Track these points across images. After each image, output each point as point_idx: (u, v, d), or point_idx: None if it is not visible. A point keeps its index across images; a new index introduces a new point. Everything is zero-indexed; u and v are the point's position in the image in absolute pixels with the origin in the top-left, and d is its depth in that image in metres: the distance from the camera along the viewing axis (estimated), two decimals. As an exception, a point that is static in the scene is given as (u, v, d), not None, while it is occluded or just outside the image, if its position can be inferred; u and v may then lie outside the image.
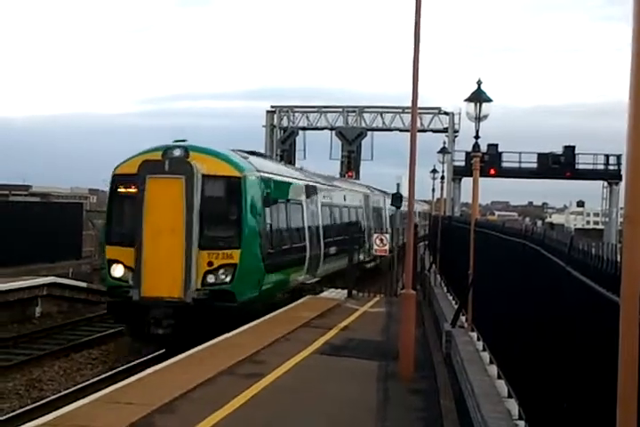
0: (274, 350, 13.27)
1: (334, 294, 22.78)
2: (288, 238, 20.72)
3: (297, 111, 51.73)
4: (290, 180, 22.31)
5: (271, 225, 18.66)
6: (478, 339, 11.52)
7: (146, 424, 8.53)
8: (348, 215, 30.38)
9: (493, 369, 9.44)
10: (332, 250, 25.44)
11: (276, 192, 19.10)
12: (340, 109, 50.76)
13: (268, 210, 18.27)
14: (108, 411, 8.89)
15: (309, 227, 23.19)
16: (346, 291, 22.65)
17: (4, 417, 12.03)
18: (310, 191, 24.11)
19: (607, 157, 53.60)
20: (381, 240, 24.24)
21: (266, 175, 18.86)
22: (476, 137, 14.21)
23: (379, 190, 41.96)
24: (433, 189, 41.53)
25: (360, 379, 11.48)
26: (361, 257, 29.79)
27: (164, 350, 16.11)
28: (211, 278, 16.43)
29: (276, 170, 21.40)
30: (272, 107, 52.21)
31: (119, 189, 17.58)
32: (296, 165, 37.61)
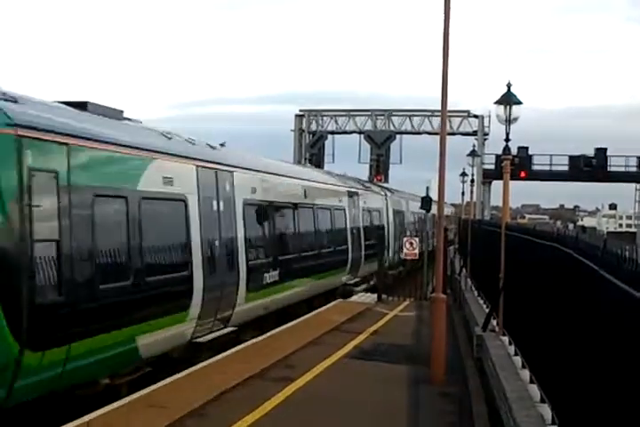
0: (304, 353, 13.27)
1: (364, 298, 22.73)
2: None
3: (325, 115, 51.74)
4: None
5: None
6: (510, 343, 11.42)
7: (177, 428, 8.56)
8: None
9: (525, 374, 9.34)
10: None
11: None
12: (369, 113, 50.69)
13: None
14: (141, 414, 8.92)
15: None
16: (375, 295, 22.60)
17: None
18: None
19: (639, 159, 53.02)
20: (411, 244, 24.12)
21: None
22: (507, 140, 14.11)
23: (406, 194, 41.80)
24: (462, 193, 41.26)
25: (390, 383, 11.43)
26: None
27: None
28: None
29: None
30: (301, 111, 52.27)
31: None
32: (324, 169, 37.72)
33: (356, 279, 24.97)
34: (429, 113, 47.67)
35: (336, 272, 22.41)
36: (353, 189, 26.24)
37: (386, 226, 30.33)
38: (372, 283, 25.54)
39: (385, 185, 42.43)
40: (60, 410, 9.27)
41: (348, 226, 24.21)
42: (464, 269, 25.41)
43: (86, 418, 8.66)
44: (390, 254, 29.97)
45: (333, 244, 22.04)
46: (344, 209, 24.06)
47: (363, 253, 25.60)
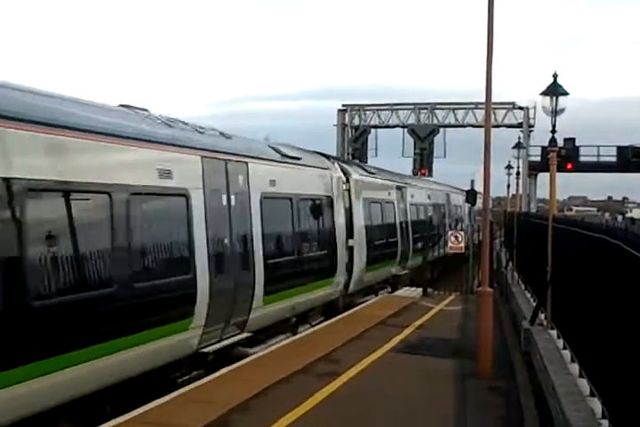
0: (349, 348, 13.23)
1: (409, 292, 22.63)
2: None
3: (368, 109, 51.56)
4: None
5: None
6: (558, 337, 11.25)
7: (222, 423, 8.59)
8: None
9: (575, 368, 9.19)
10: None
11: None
12: (412, 106, 50.37)
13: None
14: (186, 409, 8.98)
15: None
16: (420, 289, 22.48)
17: None
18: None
19: (690, 148, 51.87)
20: (456, 237, 23.93)
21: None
22: (553, 131, 13.88)
23: (451, 187, 41.52)
24: (508, 186, 40.81)
25: (437, 377, 11.34)
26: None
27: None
28: None
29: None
30: (343, 106, 52.16)
31: None
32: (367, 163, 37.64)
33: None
34: (473, 105, 47.21)
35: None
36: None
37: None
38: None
39: (430, 179, 42.23)
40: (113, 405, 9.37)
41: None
42: (510, 263, 25.15)
43: (133, 414, 8.76)
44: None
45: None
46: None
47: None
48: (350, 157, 46.52)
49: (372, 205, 21.75)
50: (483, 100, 12.50)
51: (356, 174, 20.69)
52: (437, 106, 49.94)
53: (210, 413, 8.79)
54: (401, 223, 25.42)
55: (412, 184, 29.60)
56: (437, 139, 49.07)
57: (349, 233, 19.04)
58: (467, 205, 37.85)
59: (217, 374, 10.89)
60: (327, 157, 19.76)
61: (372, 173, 23.46)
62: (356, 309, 18.39)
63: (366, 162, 43.51)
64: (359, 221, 20.08)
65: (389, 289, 23.35)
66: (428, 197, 32.17)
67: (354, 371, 11.40)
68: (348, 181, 19.59)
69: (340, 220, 18.45)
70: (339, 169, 19.34)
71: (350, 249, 19.10)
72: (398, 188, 26.07)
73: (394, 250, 24.11)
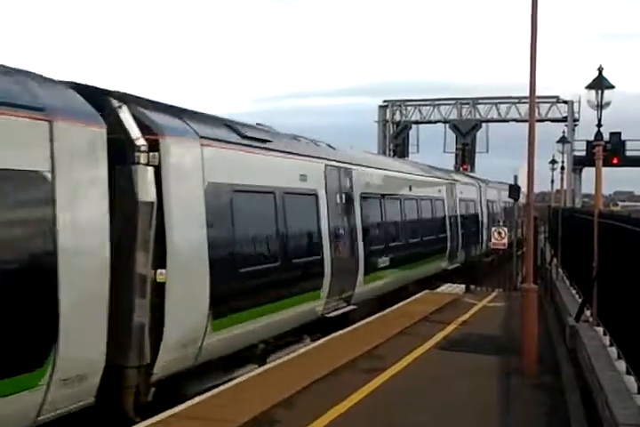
0: (392, 344, 13.22)
1: (451, 288, 22.54)
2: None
3: (409, 105, 51.35)
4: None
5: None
6: (604, 333, 11.11)
7: (266, 418, 8.64)
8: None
9: (622, 365, 9.08)
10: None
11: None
12: (454, 102, 50.06)
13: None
14: (229, 405, 9.06)
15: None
16: (463, 285, 22.37)
17: None
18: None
19: None
20: (499, 233, 23.74)
21: None
22: (599, 125, 13.69)
23: (495, 183, 41.19)
24: (552, 181, 40.38)
25: (481, 374, 11.28)
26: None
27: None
28: None
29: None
30: (384, 101, 52.03)
31: None
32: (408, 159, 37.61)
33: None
34: (516, 100, 46.79)
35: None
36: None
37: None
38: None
39: (476, 175, 41.99)
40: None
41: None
42: (555, 259, 24.86)
43: (176, 409, 8.87)
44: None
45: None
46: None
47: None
48: (391, 153, 46.40)
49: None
50: (525, 94, 12.37)
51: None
52: (479, 101, 49.57)
53: (254, 408, 8.86)
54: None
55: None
56: (480, 134, 48.75)
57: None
58: (510, 201, 37.58)
59: (261, 369, 10.97)
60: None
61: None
62: (398, 305, 18.37)
63: (407, 158, 43.37)
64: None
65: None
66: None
67: (397, 367, 11.40)
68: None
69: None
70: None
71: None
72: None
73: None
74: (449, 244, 25.73)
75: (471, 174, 41.47)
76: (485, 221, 32.94)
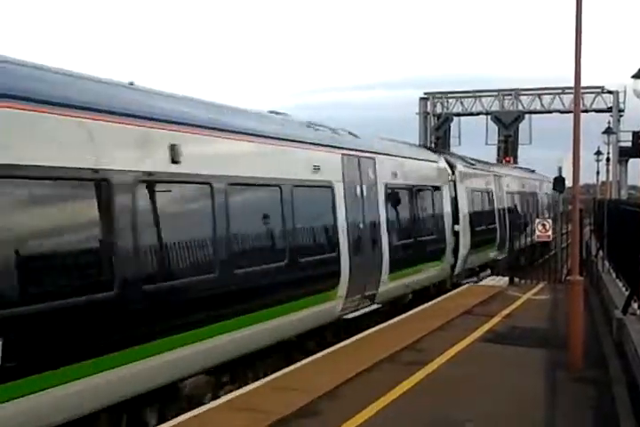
0: (435, 337, 13.15)
1: (495, 281, 22.37)
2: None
3: (450, 97, 51.01)
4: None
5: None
6: (653, 327, 10.92)
7: (310, 410, 8.66)
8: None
9: (671, 358, 8.91)
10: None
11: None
12: (496, 93, 49.59)
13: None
14: (273, 396, 9.09)
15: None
16: (507, 278, 22.17)
17: None
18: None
19: None
20: (544, 225, 23.44)
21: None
22: (645, 115, 13.44)
23: (539, 175, 40.75)
24: (597, 172, 39.86)
25: (526, 367, 11.15)
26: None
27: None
28: None
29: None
30: (425, 94, 51.72)
31: None
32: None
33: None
34: (560, 90, 46.19)
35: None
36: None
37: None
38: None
39: (521, 167, 41.56)
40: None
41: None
42: (600, 251, 24.51)
43: (222, 400, 8.92)
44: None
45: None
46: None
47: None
48: (433, 145, 46.11)
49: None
50: (569, 84, 12.17)
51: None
52: (522, 92, 49.01)
53: (297, 400, 8.88)
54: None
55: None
56: (522, 125, 48.25)
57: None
58: (555, 193, 37.19)
59: (305, 361, 10.99)
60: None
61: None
62: (441, 298, 18.28)
63: (449, 150, 43.06)
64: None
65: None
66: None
67: (440, 360, 11.33)
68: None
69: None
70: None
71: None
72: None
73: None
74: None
75: (519, 167, 41.03)
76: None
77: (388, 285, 15.26)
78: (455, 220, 21.09)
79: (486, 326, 14.33)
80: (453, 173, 21.60)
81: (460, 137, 50.34)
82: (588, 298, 16.35)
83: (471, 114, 50.38)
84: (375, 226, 14.91)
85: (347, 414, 8.47)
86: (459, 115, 50.61)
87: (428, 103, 51.20)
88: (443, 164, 21.01)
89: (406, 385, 9.81)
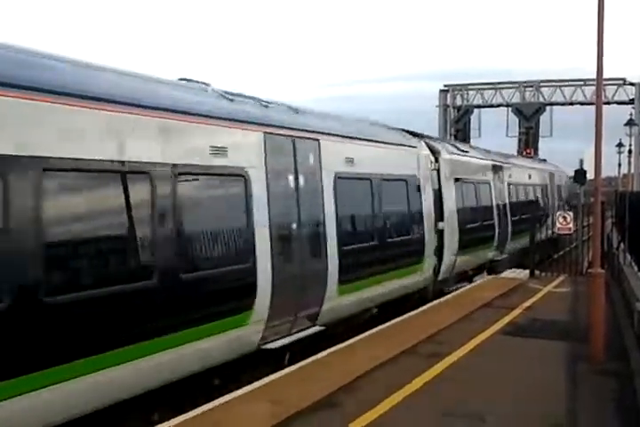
0: (455, 329, 13.09)
1: (515, 274, 22.19)
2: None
3: (471, 89, 50.80)
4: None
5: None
6: (675, 319, 10.81)
7: (329, 402, 8.64)
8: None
9: (694, 351, 8.80)
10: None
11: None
12: (517, 85, 49.30)
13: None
14: (291, 389, 9.07)
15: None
16: (527, 270, 22.01)
17: None
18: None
19: None
20: (564, 218, 23.25)
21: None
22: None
23: (555, 166, 40.36)
24: (619, 164, 39.51)
25: (547, 360, 11.08)
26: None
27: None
28: None
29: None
30: (445, 86, 51.50)
31: None
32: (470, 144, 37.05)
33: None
34: (581, 82, 45.83)
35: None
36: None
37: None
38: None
39: (533, 158, 41.19)
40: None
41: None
42: (622, 244, 24.30)
43: (245, 390, 8.93)
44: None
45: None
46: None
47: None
48: (453, 137, 45.94)
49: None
50: (590, 76, 12.04)
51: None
52: (543, 83, 48.65)
53: (316, 392, 8.86)
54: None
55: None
56: (543, 117, 47.97)
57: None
58: (573, 185, 36.77)
59: (323, 353, 10.97)
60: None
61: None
62: (461, 290, 18.19)
63: (469, 142, 42.86)
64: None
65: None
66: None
67: (460, 352, 11.27)
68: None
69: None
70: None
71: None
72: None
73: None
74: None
75: (530, 157, 40.56)
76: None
77: (337, 300, 12.26)
78: (440, 216, 17.92)
79: (507, 319, 14.26)
80: (437, 160, 18.19)
81: (480, 129, 50.11)
82: (609, 291, 16.22)
83: (491, 106, 50.13)
84: (318, 226, 11.77)
85: (363, 407, 8.42)
86: (479, 107, 50.38)
87: (448, 95, 50.99)
88: (424, 150, 17.47)
89: (426, 377, 9.78)
